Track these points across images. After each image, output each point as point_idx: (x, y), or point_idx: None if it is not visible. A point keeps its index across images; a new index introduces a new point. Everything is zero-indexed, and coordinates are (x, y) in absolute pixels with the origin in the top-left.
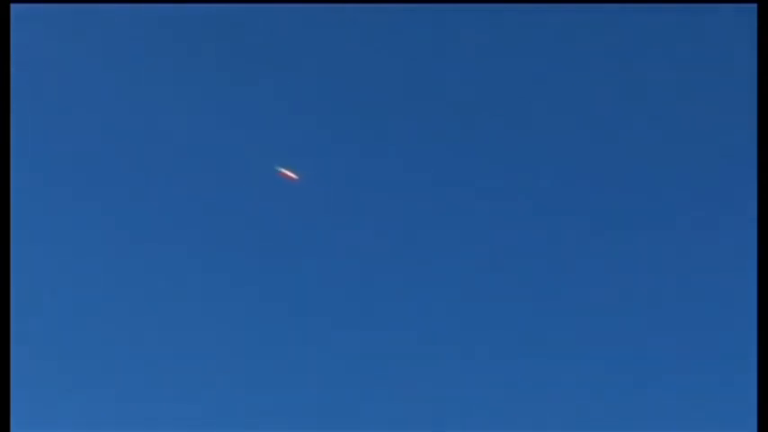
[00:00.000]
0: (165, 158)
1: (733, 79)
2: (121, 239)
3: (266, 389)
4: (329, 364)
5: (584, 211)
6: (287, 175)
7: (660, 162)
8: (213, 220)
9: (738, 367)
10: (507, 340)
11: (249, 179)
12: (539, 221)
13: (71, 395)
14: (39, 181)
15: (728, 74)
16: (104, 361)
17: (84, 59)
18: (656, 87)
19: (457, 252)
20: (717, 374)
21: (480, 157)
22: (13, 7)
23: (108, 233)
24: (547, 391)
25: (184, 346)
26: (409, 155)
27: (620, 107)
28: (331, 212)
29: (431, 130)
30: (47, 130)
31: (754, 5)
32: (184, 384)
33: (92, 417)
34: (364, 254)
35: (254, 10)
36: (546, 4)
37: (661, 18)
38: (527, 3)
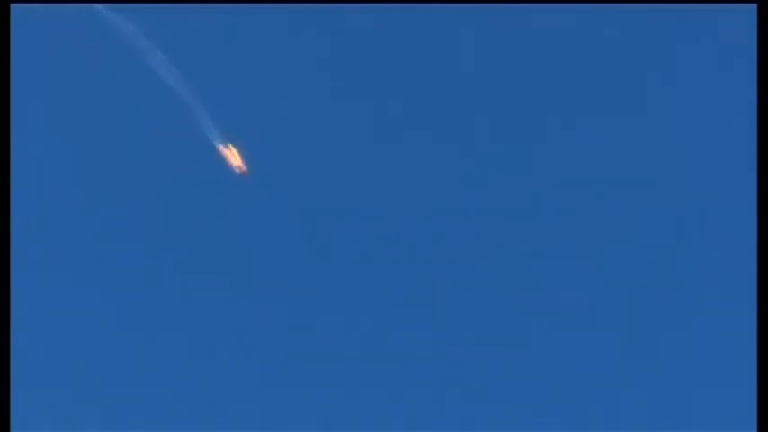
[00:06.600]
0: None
1: (733, 79)
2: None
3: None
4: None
5: (582, 211)
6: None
7: (659, 162)
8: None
9: (738, 367)
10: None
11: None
12: (539, 221)
13: (71, 396)
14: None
15: (728, 74)
16: (102, 361)
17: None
18: (655, 87)
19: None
20: (717, 375)
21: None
22: (13, 7)
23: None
24: (546, 389)
25: (180, 346)
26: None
27: (619, 107)
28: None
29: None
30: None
31: (754, 5)
32: (183, 383)
33: (92, 417)
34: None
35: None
36: (546, 5)
37: (661, 18)
38: (527, 3)
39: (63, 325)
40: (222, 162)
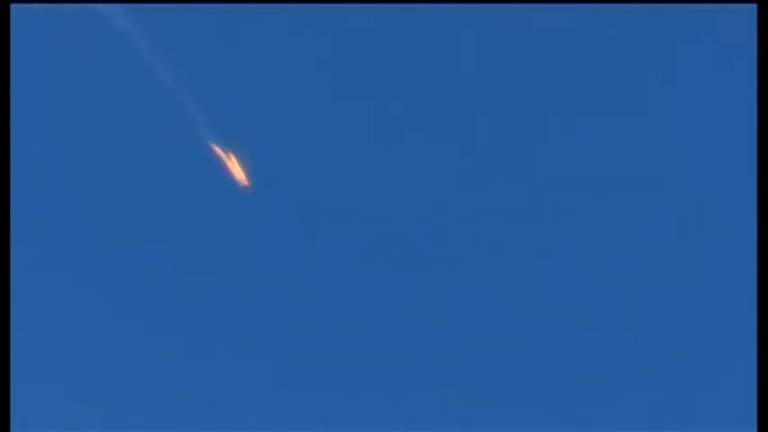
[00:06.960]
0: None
1: (733, 79)
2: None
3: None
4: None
5: (582, 211)
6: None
7: (659, 162)
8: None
9: (738, 367)
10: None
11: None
12: (539, 221)
13: (71, 396)
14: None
15: (728, 74)
16: (102, 361)
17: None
18: (655, 87)
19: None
20: (717, 375)
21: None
22: (13, 7)
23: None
24: (546, 389)
25: (181, 346)
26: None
27: (619, 107)
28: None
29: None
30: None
31: (754, 5)
32: (183, 383)
33: (92, 417)
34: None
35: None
36: (546, 5)
37: (661, 18)
38: (527, 3)
39: (63, 325)
40: (222, 162)
